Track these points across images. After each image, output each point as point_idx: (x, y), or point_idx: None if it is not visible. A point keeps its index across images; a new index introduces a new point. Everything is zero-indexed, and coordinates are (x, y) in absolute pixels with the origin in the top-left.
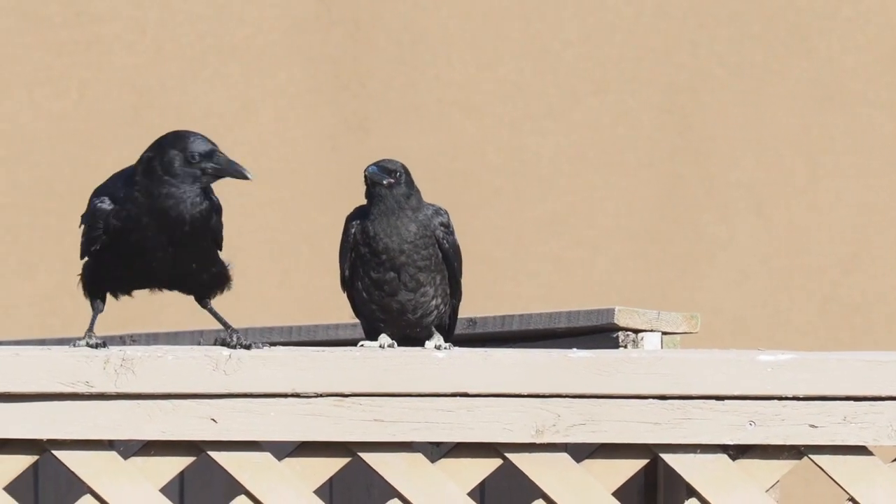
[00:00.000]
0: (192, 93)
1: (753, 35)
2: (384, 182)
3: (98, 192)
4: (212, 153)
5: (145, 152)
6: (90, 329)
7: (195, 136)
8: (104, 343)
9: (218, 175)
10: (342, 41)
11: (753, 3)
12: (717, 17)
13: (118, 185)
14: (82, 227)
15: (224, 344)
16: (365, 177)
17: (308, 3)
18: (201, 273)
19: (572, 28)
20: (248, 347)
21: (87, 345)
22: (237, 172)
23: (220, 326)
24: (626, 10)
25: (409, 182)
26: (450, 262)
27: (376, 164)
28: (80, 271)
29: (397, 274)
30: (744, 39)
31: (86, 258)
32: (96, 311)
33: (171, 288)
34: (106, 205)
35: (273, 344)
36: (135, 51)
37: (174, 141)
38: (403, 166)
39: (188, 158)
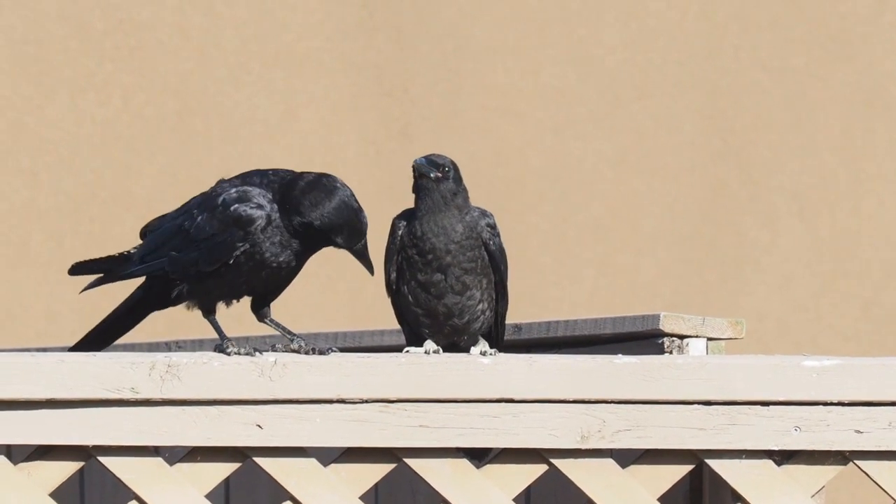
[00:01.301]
0: (235, 99)
1: (796, 40)
2: (431, 175)
3: (237, 201)
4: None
5: (302, 206)
6: (227, 337)
7: (355, 232)
8: (254, 351)
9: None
10: (385, 47)
11: (796, 8)
12: (760, 22)
13: (258, 196)
14: (202, 237)
15: (293, 352)
16: (413, 168)
17: (351, 10)
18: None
19: (615, 33)
20: (323, 352)
21: (238, 353)
22: (366, 266)
23: (266, 333)
24: (668, 15)
25: (457, 179)
26: (496, 264)
27: (425, 156)
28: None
29: (444, 275)
30: (786, 44)
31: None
32: (216, 320)
33: (267, 296)
34: (256, 214)
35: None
36: (178, 57)
37: (335, 223)
38: (452, 162)
39: (336, 244)
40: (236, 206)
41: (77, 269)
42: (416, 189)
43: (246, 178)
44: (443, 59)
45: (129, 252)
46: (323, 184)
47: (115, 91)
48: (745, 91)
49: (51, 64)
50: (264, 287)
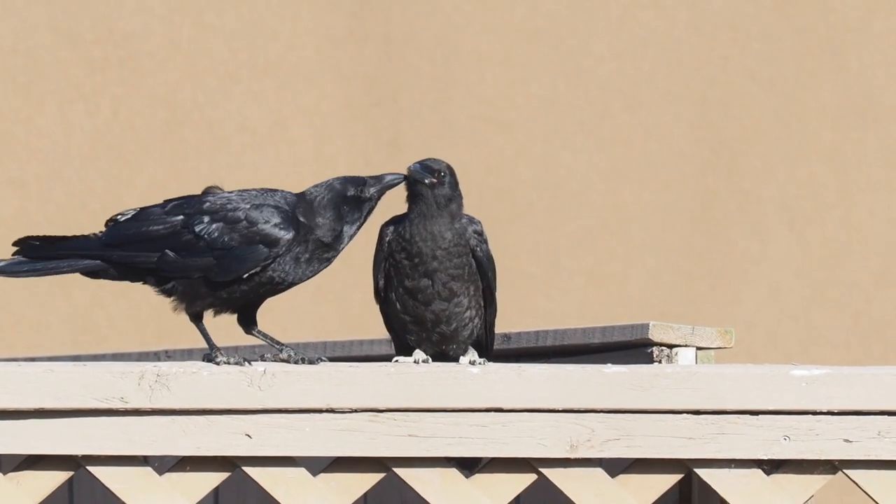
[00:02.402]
0: (225, 109)
1: (785, 50)
2: (426, 181)
3: (263, 219)
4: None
5: (321, 218)
6: (216, 346)
7: (356, 181)
8: (243, 360)
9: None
10: (375, 58)
11: (785, 19)
12: (749, 32)
13: (282, 214)
14: (219, 247)
15: (283, 362)
16: (408, 171)
17: (341, 20)
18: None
19: (604, 44)
20: (313, 362)
21: (227, 363)
22: (394, 178)
23: (255, 343)
24: (658, 26)
25: (453, 184)
26: (483, 270)
27: (421, 161)
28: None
29: (431, 281)
30: (776, 55)
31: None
32: (204, 327)
33: (256, 308)
34: (283, 235)
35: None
36: (168, 67)
37: (343, 191)
38: (449, 167)
39: (372, 196)
40: (264, 224)
41: (21, 242)
42: (410, 193)
43: (265, 194)
44: (432, 69)
45: (88, 236)
46: (312, 197)
47: (104, 101)
48: (735, 101)
49: (40, 74)
50: (258, 300)
